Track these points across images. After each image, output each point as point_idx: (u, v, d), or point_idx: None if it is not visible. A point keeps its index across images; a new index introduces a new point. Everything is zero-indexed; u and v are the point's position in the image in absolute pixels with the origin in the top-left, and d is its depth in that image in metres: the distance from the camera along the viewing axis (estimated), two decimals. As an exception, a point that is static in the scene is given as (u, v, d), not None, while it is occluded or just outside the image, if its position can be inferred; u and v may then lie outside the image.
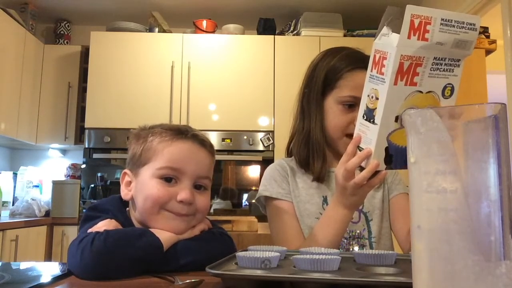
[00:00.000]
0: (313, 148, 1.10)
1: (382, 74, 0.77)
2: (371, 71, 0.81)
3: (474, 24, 0.75)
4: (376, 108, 0.80)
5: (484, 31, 3.44)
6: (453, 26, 0.73)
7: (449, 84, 0.79)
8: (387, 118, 0.78)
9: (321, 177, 1.10)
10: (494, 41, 3.24)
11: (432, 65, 0.76)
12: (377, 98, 0.79)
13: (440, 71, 0.77)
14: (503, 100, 2.06)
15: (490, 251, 0.35)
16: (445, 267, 0.36)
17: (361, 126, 0.85)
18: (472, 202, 0.36)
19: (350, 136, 1.08)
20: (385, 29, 0.77)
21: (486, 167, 0.36)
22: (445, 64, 0.77)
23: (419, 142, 0.39)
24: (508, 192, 0.36)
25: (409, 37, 0.72)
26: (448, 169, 0.37)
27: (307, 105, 1.13)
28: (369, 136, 0.82)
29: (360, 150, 0.85)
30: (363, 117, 0.83)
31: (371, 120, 0.81)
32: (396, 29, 0.73)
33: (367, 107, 0.82)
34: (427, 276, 0.37)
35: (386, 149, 0.81)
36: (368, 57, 1.11)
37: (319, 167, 1.09)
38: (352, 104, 1.07)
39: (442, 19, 0.72)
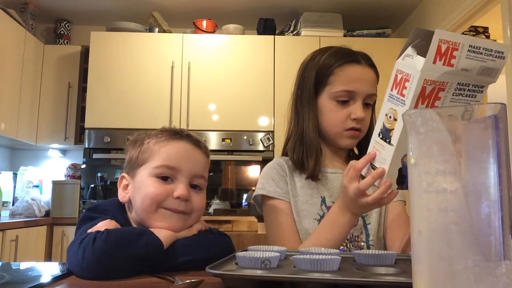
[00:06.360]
0: (306, 147, 1.10)
1: (403, 96, 0.76)
2: (391, 90, 0.79)
3: (502, 53, 0.73)
4: (393, 129, 0.79)
5: (484, 31, 3.45)
6: (481, 53, 0.72)
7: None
8: (404, 140, 0.77)
9: (314, 175, 1.10)
10: (494, 41, 3.24)
11: (455, 90, 0.75)
12: (395, 119, 0.78)
13: (462, 96, 0.76)
14: (503, 100, 2.06)
15: (490, 251, 0.35)
16: (445, 267, 0.36)
17: (375, 144, 0.84)
18: (472, 202, 0.36)
19: (349, 130, 1.08)
20: (410, 50, 0.75)
21: (486, 167, 0.36)
22: (468, 90, 0.76)
23: (419, 142, 0.39)
24: (508, 192, 0.36)
25: (434, 62, 0.71)
26: (448, 169, 0.37)
27: (301, 106, 1.13)
28: (383, 156, 0.82)
29: (373, 168, 0.85)
30: (379, 135, 0.83)
31: (387, 140, 0.80)
32: (421, 51, 0.72)
33: (384, 126, 0.81)
34: (427, 276, 0.37)
35: (400, 169, 0.80)
36: (355, 52, 1.12)
37: (313, 165, 1.09)
38: (346, 101, 1.07)
39: (470, 46, 0.71)
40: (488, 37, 3.43)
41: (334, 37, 3.32)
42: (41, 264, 0.91)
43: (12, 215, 3.09)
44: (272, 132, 3.27)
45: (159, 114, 3.25)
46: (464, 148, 0.37)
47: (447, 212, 0.37)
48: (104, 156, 3.23)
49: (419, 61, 0.72)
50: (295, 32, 3.49)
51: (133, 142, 0.93)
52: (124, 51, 3.33)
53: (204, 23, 3.49)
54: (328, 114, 1.09)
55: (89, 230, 0.78)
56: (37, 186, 3.45)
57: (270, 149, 3.26)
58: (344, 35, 3.44)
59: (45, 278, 0.72)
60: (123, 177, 0.92)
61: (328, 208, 1.09)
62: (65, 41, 3.73)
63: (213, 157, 3.26)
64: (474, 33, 3.40)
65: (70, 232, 3.07)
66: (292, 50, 3.30)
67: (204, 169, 0.92)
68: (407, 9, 3.53)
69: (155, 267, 0.77)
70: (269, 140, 3.26)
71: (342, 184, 0.92)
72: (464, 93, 0.76)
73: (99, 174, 3.27)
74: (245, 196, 3.33)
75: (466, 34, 3.13)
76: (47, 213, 3.18)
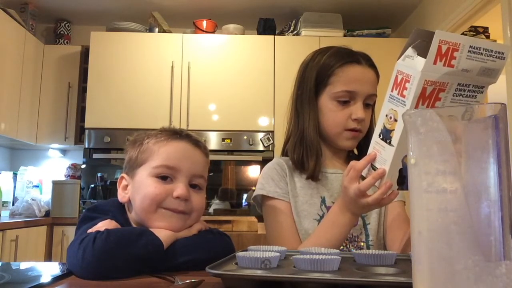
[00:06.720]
0: (307, 147, 1.10)
1: (404, 96, 0.76)
2: (392, 91, 0.79)
3: (502, 53, 0.73)
4: (394, 129, 0.79)
5: (484, 31, 3.45)
6: (481, 54, 0.72)
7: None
8: (404, 141, 0.77)
9: (315, 176, 1.10)
10: (494, 41, 3.24)
11: (455, 90, 0.75)
12: (395, 120, 0.79)
13: (462, 97, 0.76)
14: (503, 100, 2.06)
15: (490, 251, 0.35)
16: (445, 267, 0.36)
17: (376, 145, 0.84)
18: (472, 202, 0.36)
19: (349, 130, 1.08)
20: (410, 51, 0.75)
21: (486, 167, 0.36)
22: (469, 91, 0.76)
23: (419, 142, 0.39)
24: (508, 192, 0.36)
25: (435, 63, 0.71)
26: (448, 169, 0.37)
27: (301, 106, 1.13)
28: (383, 156, 0.82)
29: (373, 168, 0.85)
30: (379, 136, 0.83)
31: (388, 141, 0.80)
32: (422, 52, 0.72)
33: (384, 126, 0.81)
34: (427, 276, 0.37)
35: (400, 170, 0.80)
36: (356, 52, 1.12)
37: (313, 166, 1.09)
38: (346, 101, 1.07)
39: (471, 46, 0.71)
40: (488, 37, 3.43)
41: (334, 37, 3.32)
42: (41, 264, 0.91)
43: (12, 215, 3.09)
44: (272, 132, 3.27)
45: (159, 114, 3.25)
46: (464, 148, 0.37)
47: (447, 212, 0.37)
48: (104, 156, 3.23)
49: (420, 62, 0.72)
50: (295, 32, 3.49)
51: (133, 142, 0.93)
52: (124, 51, 3.33)
53: (204, 23, 3.49)
54: (328, 115, 1.09)
55: (89, 230, 0.78)
56: (37, 186, 3.44)
57: (270, 149, 3.26)
58: (344, 35, 3.44)
59: (45, 278, 0.72)
60: (122, 177, 0.92)
61: (328, 208, 1.09)
62: (65, 41, 3.73)
63: (213, 157, 3.27)
64: (474, 33, 3.40)
65: (70, 232, 3.07)
66: (292, 50, 3.30)
67: (203, 168, 0.92)
68: (407, 9, 3.53)
69: (155, 267, 0.77)
70: (269, 140, 3.26)
71: (342, 184, 0.92)
72: (464, 94, 0.76)
73: (99, 174, 3.27)
74: (245, 196, 3.33)
75: (466, 34, 3.13)
76: (47, 213, 3.18)
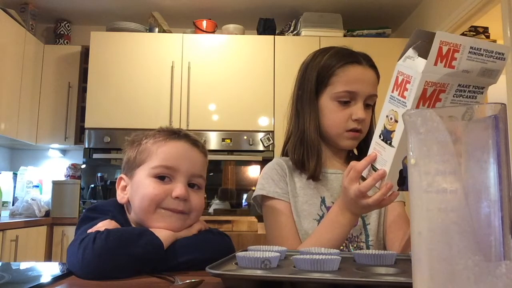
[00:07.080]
0: (307, 147, 1.10)
1: (404, 97, 0.76)
2: (392, 92, 0.79)
3: (503, 54, 0.73)
4: (394, 130, 0.79)
5: (484, 31, 3.45)
6: (482, 54, 0.72)
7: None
8: (405, 142, 0.78)
9: (315, 176, 1.10)
10: (494, 41, 3.24)
11: (455, 91, 0.75)
12: (396, 121, 0.79)
13: (463, 97, 0.76)
14: (503, 100, 2.06)
15: (490, 251, 0.35)
16: (445, 267, 0.36)
17: (376, 146, 0.84)
18: (472, 202, 0.36)
19: (350, 131, 1.08)
20: (410, 52, 0.75)
21: (486, 167, 0.36)
22: (469, 91, 0.76)
23: (419, 143, 0.39)
24: (508, 192, 0.36)
25: (435, 64, 0.71)
26: (448, 169, 0.37)
27: (301, 106, 1.13)
28: (384, 157, 0.82)
29: (374, 169, 0.85)
30: (380, 136, 0.83)
31: (388, 142, 0.80)
32: (422, 53, 0.72)
33: (384, 127, 0.81)
34: (427, 276, 0.37)
35: (400, 171, 0.81)
36: (356, 53, 1.12)
37: (313, 166, 1.09)
38: (347, 101, 1.07)
39: (471, 47, 0.71)
40: (488, 37, 3.43)
41: (334, 37, 3.32)
42: (41, 264, 0.91)
43: (12, 215, 3.09)
44: (272, 132, 3.27)
45: (159, 114, 3.25)
46: (464, 148, 0.37)
47: (447, 212, 0.37)
48: (104, 156, 3.23)
49: (420, 63, 0.72)
50: (295, 32, 3.49)
51: (131, 142, 0.92)
52: (124, 51, 3.33)
53: (204, 23, 3.49)
54: (329, 115, 1.09)
55: (89, 230, 0.78)
56: (37, 186, 3.44)
57: (270, 149, 3.26)
58: (344, 35, 3.44)
59: (45, 278, 0.72)
60: (121, 178, 0.92)
61: (328, 208, 1.09)
62: (65, 41, 3.73)
63: (213, 157, 3.27)
64: (474, 33, 3.40)
65: (70, 232, 3.07)
66: (292, 50, 3.30)
67: (202, 168, 0.92)
68: (407, 9, 3.53)
69: (155, 267, 0.77)
70: (269, 140, 3.26)
71: (342, 185, 0.92)
72: (464, 95, 0.76)
73: (99, 174, 3.27)
74: (245, 196, 3.33)
75: (466, 34, 3.13)
76: (47, 213, 3.18)
